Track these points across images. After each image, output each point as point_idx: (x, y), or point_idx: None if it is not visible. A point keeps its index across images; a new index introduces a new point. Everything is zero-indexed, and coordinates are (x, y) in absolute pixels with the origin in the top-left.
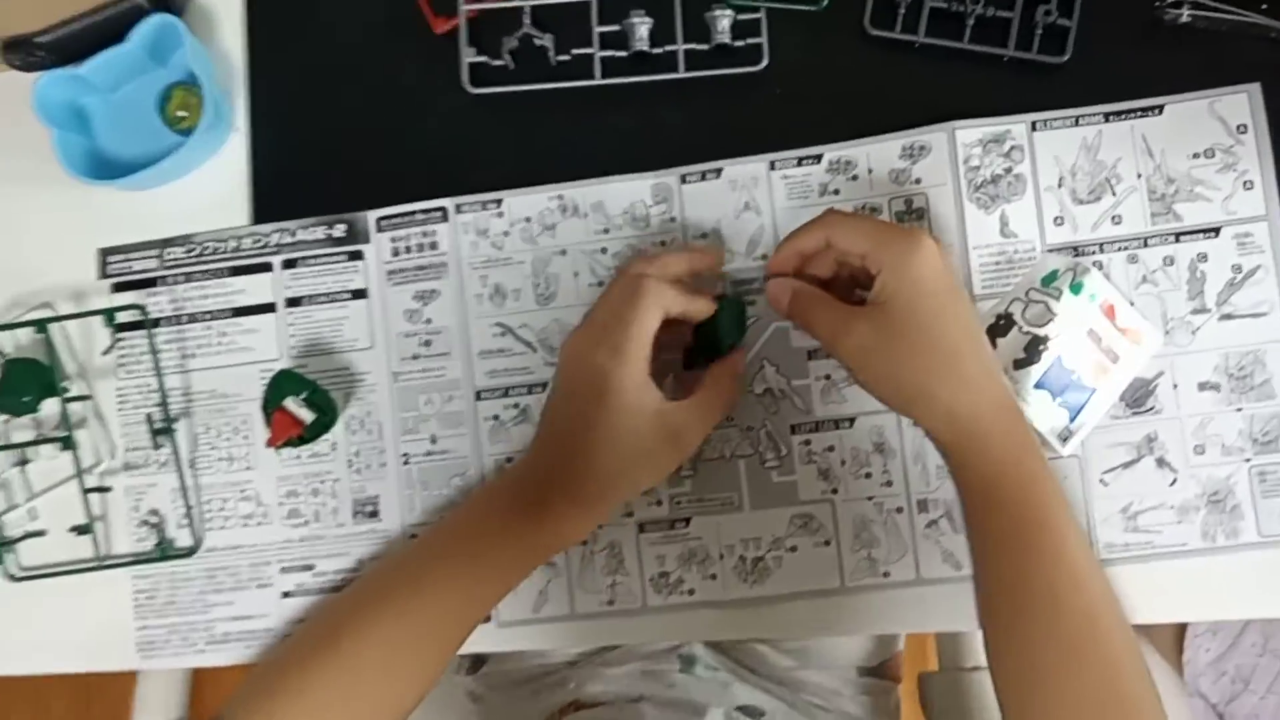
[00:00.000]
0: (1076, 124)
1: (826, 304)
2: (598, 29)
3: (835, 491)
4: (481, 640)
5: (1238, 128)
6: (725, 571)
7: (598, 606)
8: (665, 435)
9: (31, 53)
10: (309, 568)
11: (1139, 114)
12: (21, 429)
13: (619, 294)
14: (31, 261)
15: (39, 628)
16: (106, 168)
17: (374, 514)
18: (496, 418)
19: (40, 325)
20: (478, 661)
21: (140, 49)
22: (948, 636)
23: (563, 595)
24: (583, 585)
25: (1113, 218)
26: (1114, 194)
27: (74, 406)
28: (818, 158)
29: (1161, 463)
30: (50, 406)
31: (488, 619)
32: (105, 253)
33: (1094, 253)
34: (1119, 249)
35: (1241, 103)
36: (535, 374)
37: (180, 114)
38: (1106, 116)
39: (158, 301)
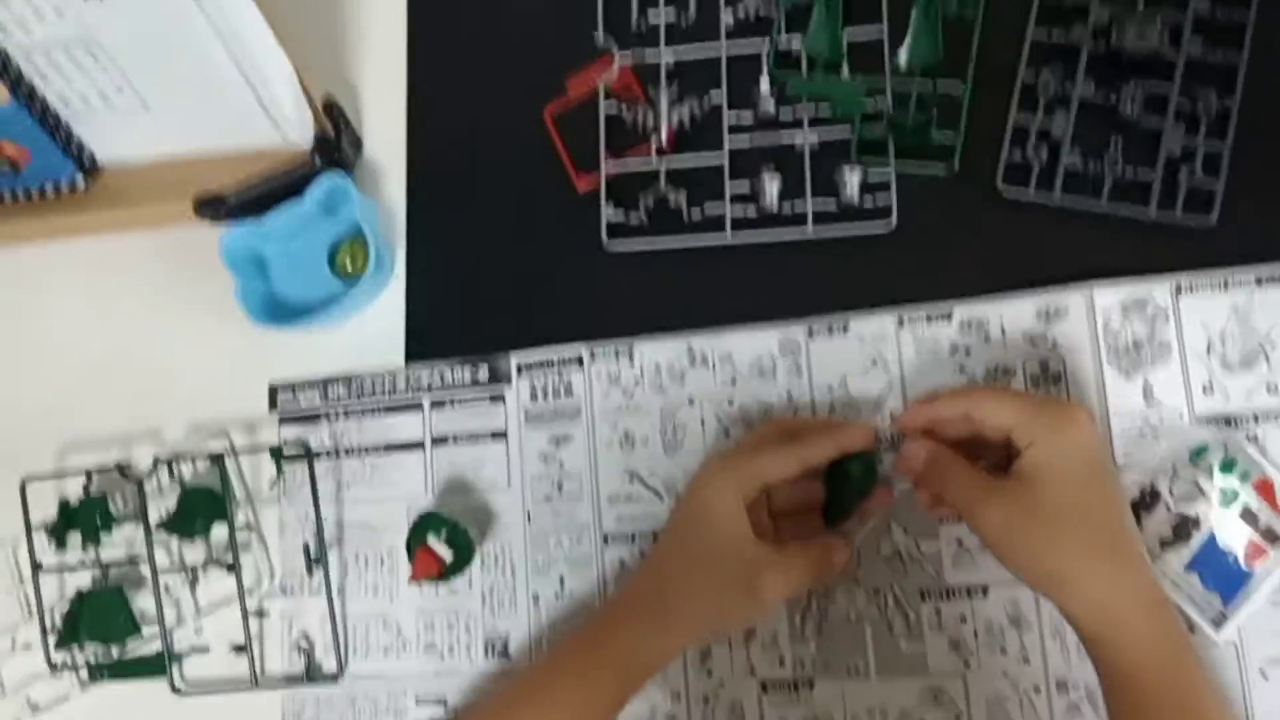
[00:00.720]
0: (1225, 288)
1: (965, 472)
2: (729, 187)
3: (967, 665)
4: None
5: None
6: None
7: None
8: (741, 570)
9: (221, 210)
10: (442, 701)
11: None
12: (192, 549)
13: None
14: (210, 393)
15: None
16: (280, 310)
17: (505, 652)
18: (623, 563)
19: (215, 458)
20: None
21: (314, 205)
22: None
23: None
24: None
25: (1269, 386)
26: (1269, 362)
27: (240, 532)
28: (948, 315)
29: None
30: (219, 531)
31: None
32: (276, 388)
33: (1248, 424)
34: (1276, 421)
35: None
36: (661, 520)
37: (347, 263)
38: (1259, 281)
39: (319, 435)
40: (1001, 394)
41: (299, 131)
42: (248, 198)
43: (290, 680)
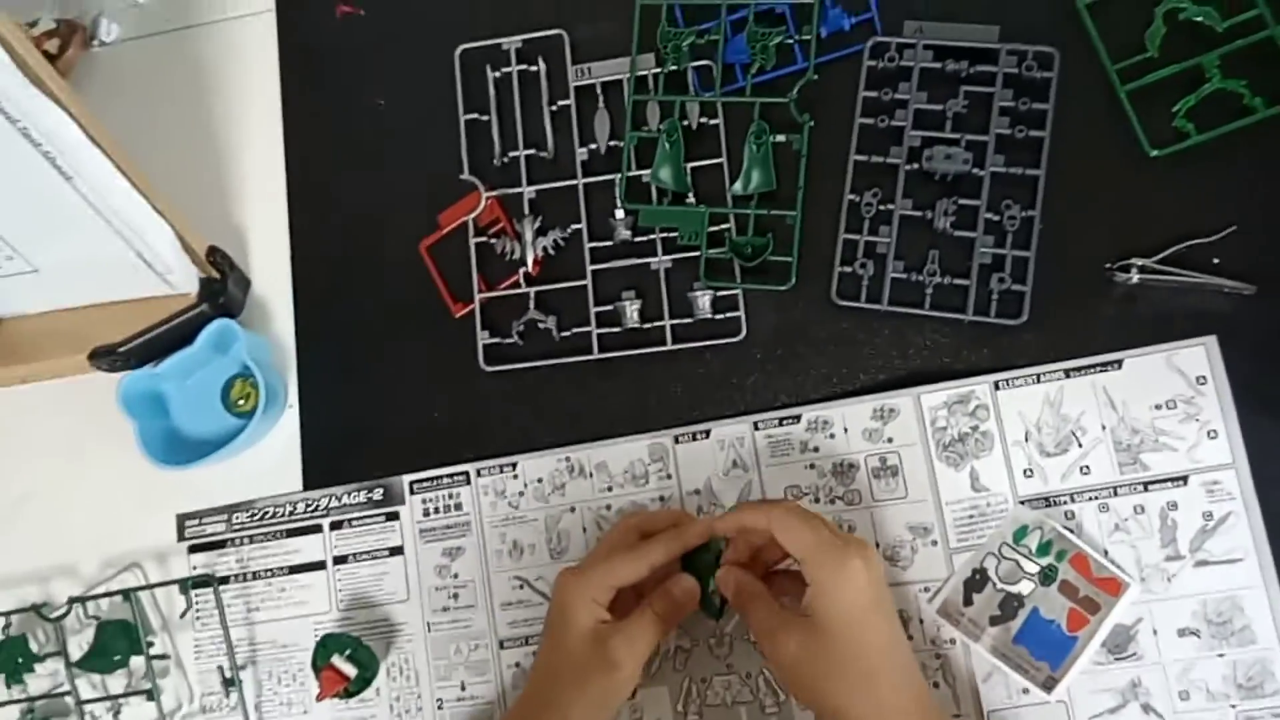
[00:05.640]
0: (1038, 381)
1: (765, 605)
2: (594, 309)
3: None
4: None
5: (1197, 379)
6: None
7: None
8: (598, 655)
9: (114, 360)
10: None
11: (1098, 369)
12: (114, 678)
13: None
14: (120, 527)
15: None
16: (181, 445)
17: None
18: (518, 665)
19: (128, 594)
20: None
21: (205, 348)
22: None
23: None
24: None
25: (1081, 468)
26: (1080, 446)
27: (157, 659)
28: (797, 418)
29: (1147, 709)
30: (139, 659)
31: None
32: (182, 518)
33: (1065, 502)
34: (1090, 498)
35: (1199, 355)
36: None
37: (240, 400)
38: (1067, 373)
39: (227, 561)
40: (797, 527)
41: (185, 280)
42: (139, 347)
43: None
